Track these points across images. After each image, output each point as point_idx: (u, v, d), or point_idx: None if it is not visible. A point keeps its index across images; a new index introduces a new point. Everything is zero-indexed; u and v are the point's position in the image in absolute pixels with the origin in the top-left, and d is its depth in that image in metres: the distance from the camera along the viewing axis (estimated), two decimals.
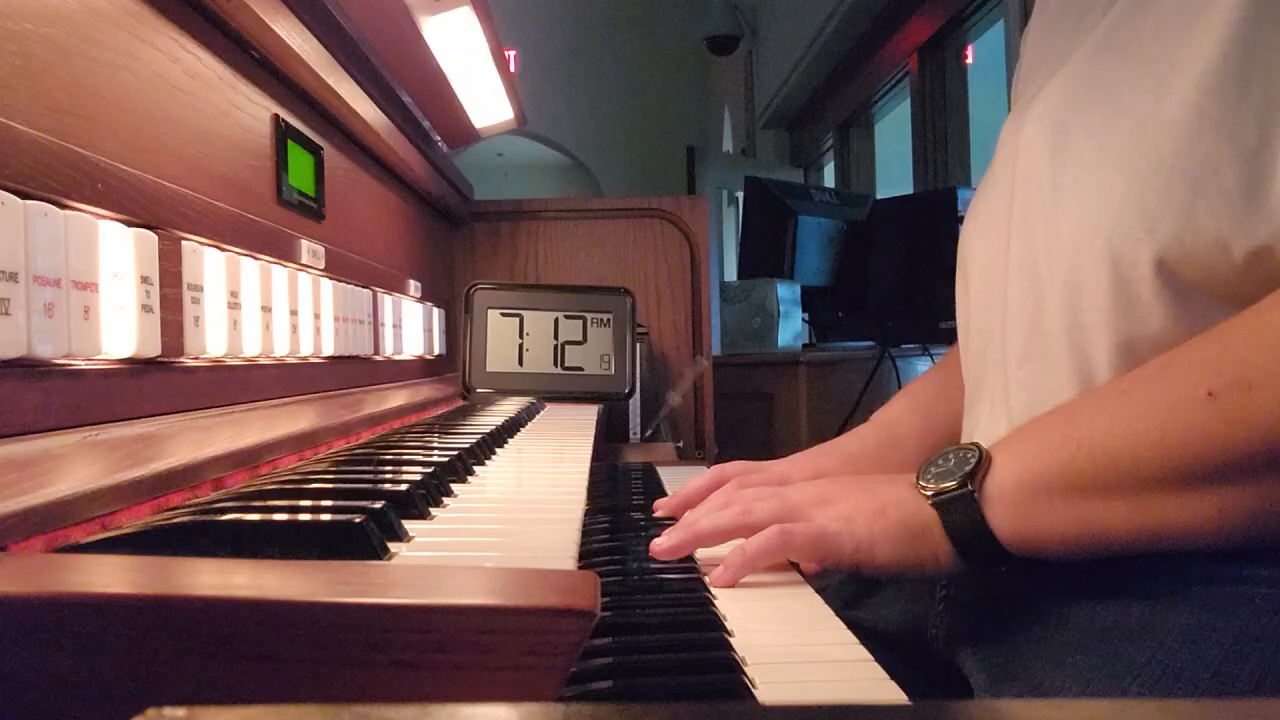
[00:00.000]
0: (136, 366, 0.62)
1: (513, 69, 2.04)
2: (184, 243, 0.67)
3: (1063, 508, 0.55)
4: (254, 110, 0.86)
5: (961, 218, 0.81)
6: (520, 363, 1.42)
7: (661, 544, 0.65)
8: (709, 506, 0.68)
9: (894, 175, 4.90)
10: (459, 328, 1.52)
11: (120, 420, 0.60)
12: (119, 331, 0.58)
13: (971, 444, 0.60)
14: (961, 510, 0.57)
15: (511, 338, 1.42)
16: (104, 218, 0.57)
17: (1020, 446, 0.59)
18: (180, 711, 0.19)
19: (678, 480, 0.90)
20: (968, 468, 0.58)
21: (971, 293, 0.74)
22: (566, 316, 1.43)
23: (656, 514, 0.78)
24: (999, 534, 0.57)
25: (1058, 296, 0.62)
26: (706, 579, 0.62)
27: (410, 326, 1.37)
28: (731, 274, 4.68)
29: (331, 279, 1.00)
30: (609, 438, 1.48)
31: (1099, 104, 0.61)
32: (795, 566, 0.66)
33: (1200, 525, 0.53)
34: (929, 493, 0.59)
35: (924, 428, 0.85)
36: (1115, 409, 0.55)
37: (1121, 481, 0.54)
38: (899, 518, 0.59)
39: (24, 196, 0.49)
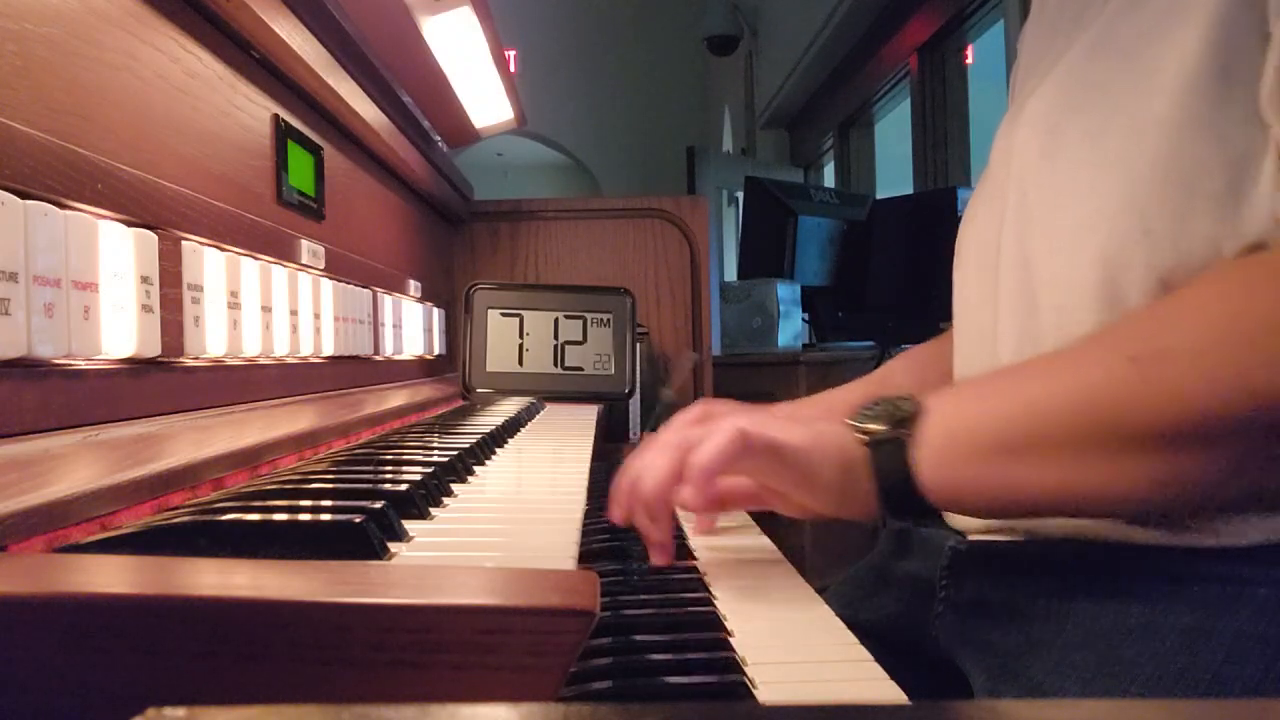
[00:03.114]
0: (136, 366, 0.62)
1: (513, 69, 2.04)
2: (184, 243, 0.67)
3: (984, 463, 0.56)
4: (254, 110, 0.86)
5: (961, 218, 0.81)
6: (520, 363, 1.42)
7: (654, 555, 0.64)
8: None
9: (894, 175, 4.90)
10: (459, 328, 1.52)
11: (120, 420, 0.60)
12: (119, 331, 0.58)
13: (908, 394, 0.60)
14: (889, 453, 0.58)
15: (511, 338, 1.42)
16: (104, 218, 0.57)
17: (953, 400, 0.59)
18: (180, 711, 0.19)
19: None
20: (901, 415, 0.58)
21: (966, 293, 0.74)
22: (566, 316, 1.43)
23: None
24: (922, 483, 0.57)
25: (1049, 297, 0.62)
26: (706, 577, 0.62)
27: (410, 326, 1.37)
28: (731, 274, 4.68)
29: (331, 279, 1.00)
30: (609, 438, 1.48)
31: (1093, 104, 0.62)
32: (791, 561, 0.66)
33: (1116, 491, 0.53)
34: (860, 432, 0.59)
35: (915, 385, 0.85)
36: (1047, 370, 0.56)
37: (1044, 440, 0.54)
38: (836, 446, 0.60)
39: (24, 196, 0.49)
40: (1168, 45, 0.57)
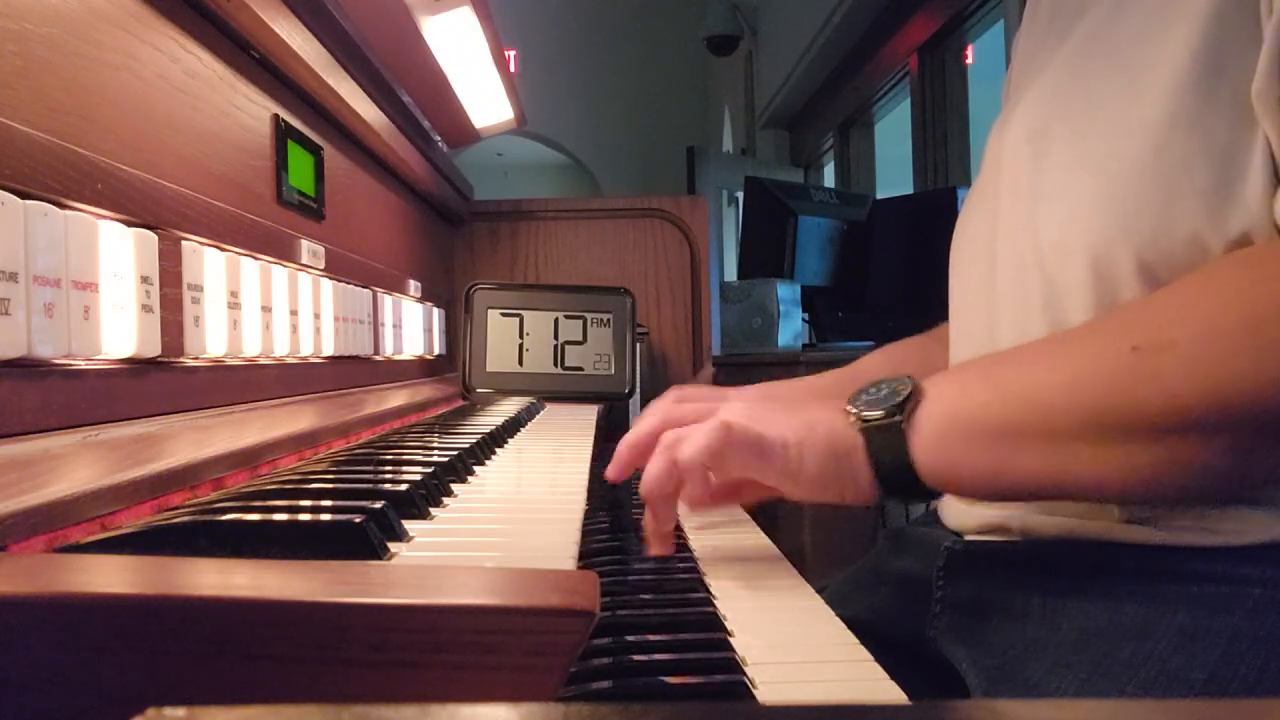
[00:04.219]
0: (136, 366, 0.62)
1: (513, 69, 2.04)
2: (184, 243, 0.67)
3: (978, 447, 0.56)
4: (254, 110, 0.86)
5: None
6: (520, 363, 1.42)
7: (653, 546, 0.65)
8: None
9: (894, 175, 4.90)
10: (459, 328, 1.52)
11: (120, 420, 0.60)
12: (119, 331, 0.58)
13: (905, 376, 0.60)
14: (886, 439, 0.58)
15: (511, 338, 1.42)
16: (104, 218, 0.57)
17: (947, 384, 0.59)
18: (180, 711, 0.19)
19: None
20: (898, 399, 0.58)
21: (959, 297, 0.75)
22: (566, 316, 1.43)
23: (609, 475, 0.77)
24: (918, 467, 0.57)
25: (1041, 300, 0.62)
26: (706, 577, 0.62)
27: (410, 326, 1.37)
28: (731, 274, 4.68)
29: (331, 279, 1.00)
30: (609, 438, 1.47)
31: (1077, 107, 0.62)
32: (790, 567, 0.66)
33: (1105, 478, 0.53)
34: (856, 418, 0.59)
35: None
36: (1040, 355, 0.57)
37: (1035, 426, 0.54)
38: (827, 435, 0.59)
39: (24, 196, 0.49)
40: (1156, 47, 0.57)
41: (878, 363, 0.89)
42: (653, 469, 0.63)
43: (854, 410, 0.59)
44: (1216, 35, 0.54)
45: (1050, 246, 0.61)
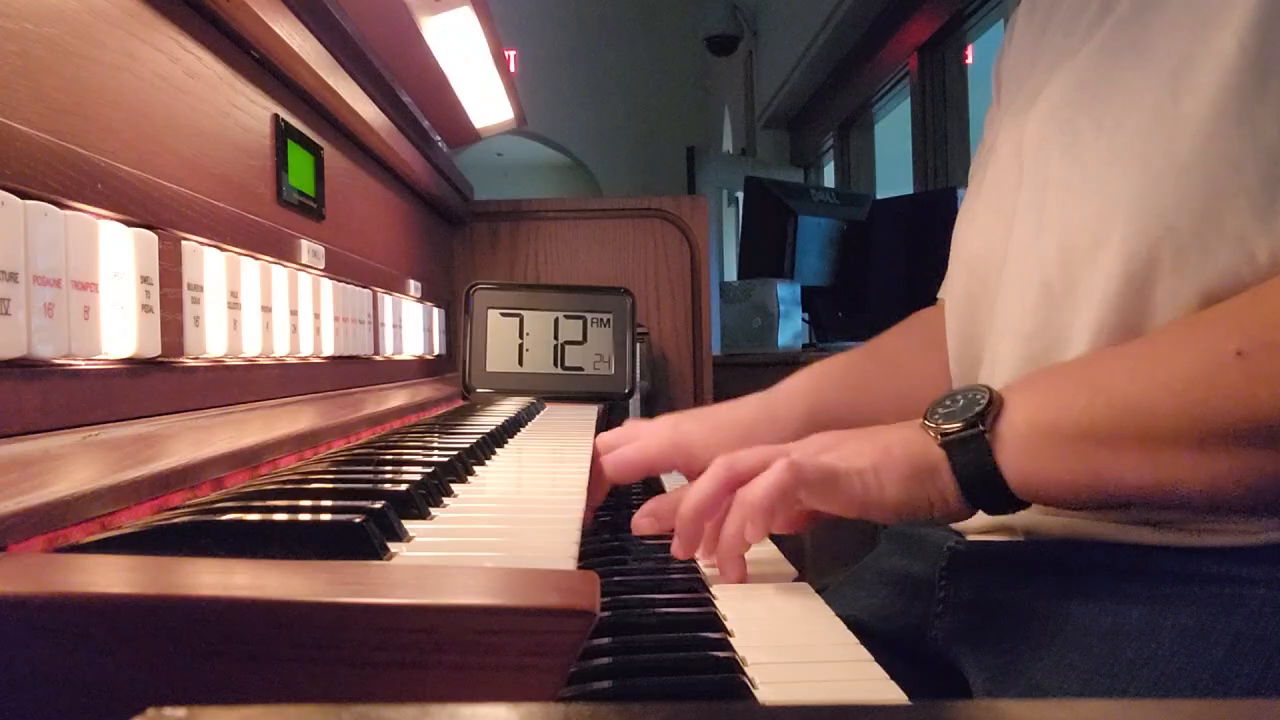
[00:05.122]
0: (136, 366, 0.62)
1: (513, 69, 2.04)
2: (184, 243, 0.67)
3: (1074, 455, 0.54)
4: (254, 110, 0.86)
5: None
6: (520, 363, 1.42)
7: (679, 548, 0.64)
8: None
9: (894, 175, 4.90)
10: (459, 328, 1.52)
11: (120, 420, 0.60)
12: (119, 331, 0.58)
13: (981, 385, 0.59)
14: (971, 451, 0.56)
15: (511, 338, 1.42)
16: (104, 218, 0.57)
17: (1035, 390, 0.57)
18: (180, 711, 0.19)
19: (677, 479, 0.90)
20: (977, 409, 0.57)
21: (962, 294, 0.74)
22: (566, 316, 1.43)
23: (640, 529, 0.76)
24: (1007, 477, 0.56)
25: (1062, 297, 0.61)
26: (706, 577, 0.62)
27: (410, 326, 1.37)
28: (731, 274, 4.68)
29: (331, 279, 1.00)
30: None
31: (1108, 102, 0.61)
32: (803, 575, 0.66)
33: (1211, 486, 0.52)
34: (936, 433, 0.57)
35: (810, 410, 0.83)
36: (1138, 359, 0.54)
37: (1137, 433, 0.52)
38: (905, 456, 0.58)
39: (24, 196, 0.49)
40: (1193, 43, 0.56)
41: (800, 384, 0.86)
42: (700, 489, 0.62)
43: (932, 425, 0.58)
44: (1268, 30, 0.53)
45: (1079, 243, 0.60)
